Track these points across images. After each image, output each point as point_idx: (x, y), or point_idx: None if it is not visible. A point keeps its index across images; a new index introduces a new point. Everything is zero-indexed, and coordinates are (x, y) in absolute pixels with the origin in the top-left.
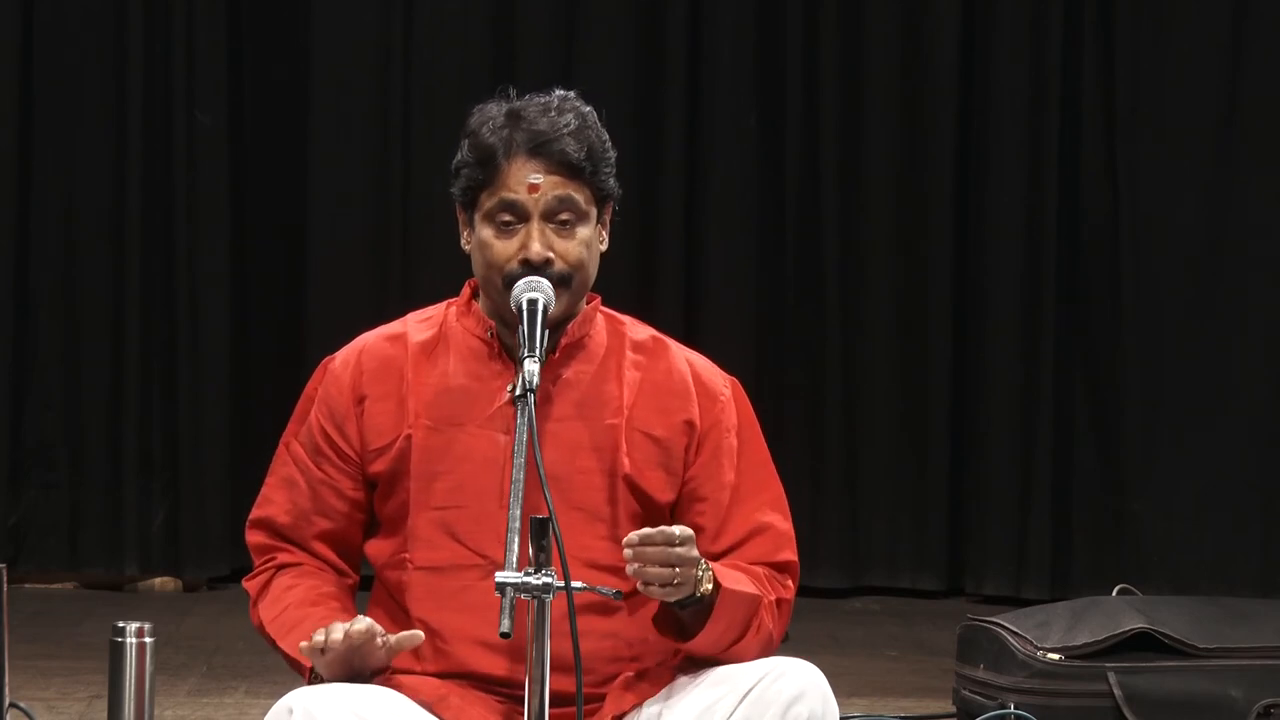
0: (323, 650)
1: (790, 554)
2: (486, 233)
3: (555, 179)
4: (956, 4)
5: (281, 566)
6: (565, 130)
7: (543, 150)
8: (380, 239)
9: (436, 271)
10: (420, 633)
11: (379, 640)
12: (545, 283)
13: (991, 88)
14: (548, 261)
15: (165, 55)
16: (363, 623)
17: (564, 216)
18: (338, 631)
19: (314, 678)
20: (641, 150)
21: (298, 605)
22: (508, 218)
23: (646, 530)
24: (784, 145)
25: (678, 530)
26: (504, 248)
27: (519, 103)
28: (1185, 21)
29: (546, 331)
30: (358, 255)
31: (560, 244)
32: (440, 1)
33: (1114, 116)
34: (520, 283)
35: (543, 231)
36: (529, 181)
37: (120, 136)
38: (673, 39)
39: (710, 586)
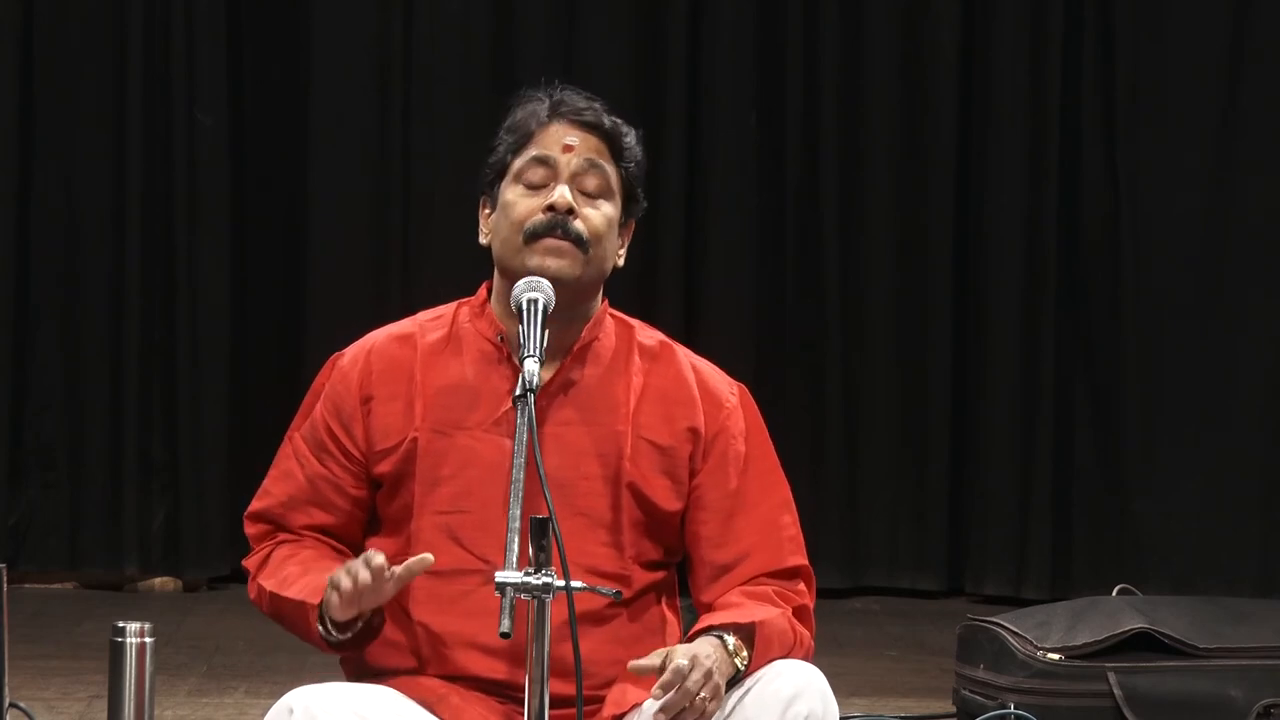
0: (338, 589)
1: (799, 559)
2: (512, 193)
3: (591, 141)
4: (956, 4)
5: (281, 543)
6: (604, 111)
7: (581, 117)
8: (380, 239)
9: (437, 271)
10: (430, 556)
11: (385, 574)
12: (545, 283)
13: (991, 88)
14: (571, 211)
15: (165, 56)
16: (379, 558)
17: (592, 184)
18: (362, 568)
19: (322, 625)
20: (641, 150)
21: (299, 564)
22: (538, 175)
23: (665, 682)
24: (784, 144)
25: (682, 662)
26: (529, 203)
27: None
28: (1185, 21)
29: (547, 331)
30: (358, 255)
31: (585, 208)
32: (440, 1)
33: (1114, 116)
34: (521, 282)
35: (571, 190)
36: (565, 141)
37: (120, 136)
38: (673, 39)
39: (746, 654)
